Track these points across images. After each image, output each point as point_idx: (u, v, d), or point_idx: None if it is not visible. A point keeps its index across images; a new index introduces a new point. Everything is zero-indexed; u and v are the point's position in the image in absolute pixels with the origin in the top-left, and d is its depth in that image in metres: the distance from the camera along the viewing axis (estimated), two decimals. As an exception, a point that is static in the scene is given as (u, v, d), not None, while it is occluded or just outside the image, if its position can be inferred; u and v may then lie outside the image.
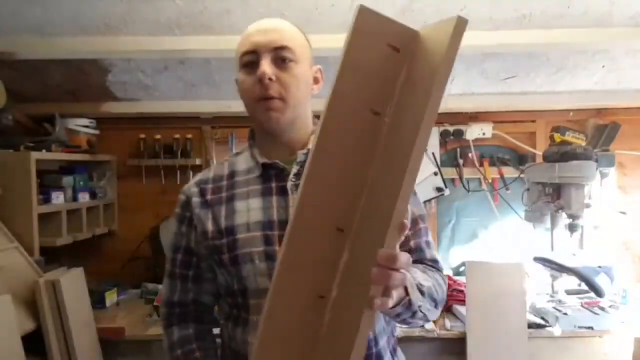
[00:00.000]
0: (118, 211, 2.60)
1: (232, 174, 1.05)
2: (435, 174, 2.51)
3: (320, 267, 0.73)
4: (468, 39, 2.15)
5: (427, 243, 1.04)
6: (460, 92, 2.37)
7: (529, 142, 2.56)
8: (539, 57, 2.09)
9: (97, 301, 2.15)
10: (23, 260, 1.81)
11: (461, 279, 2.20)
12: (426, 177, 2.50)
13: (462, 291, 2.08)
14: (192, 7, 1.75)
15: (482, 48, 1.94)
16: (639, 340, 1.86)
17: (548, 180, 2.14)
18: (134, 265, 2.51)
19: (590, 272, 2.04)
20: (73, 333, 1.73)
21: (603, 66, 2.16)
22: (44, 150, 2.05)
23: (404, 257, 0.66)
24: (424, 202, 2.49)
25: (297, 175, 0.96)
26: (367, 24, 0.71)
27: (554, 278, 2.20)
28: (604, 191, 2.37)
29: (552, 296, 2.20)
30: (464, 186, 2.56)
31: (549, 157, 2.16)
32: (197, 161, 2.54)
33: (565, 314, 2.01)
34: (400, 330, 1.72)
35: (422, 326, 1.89)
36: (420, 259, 1.02)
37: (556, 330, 1.90)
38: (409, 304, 0.82)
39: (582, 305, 2.12)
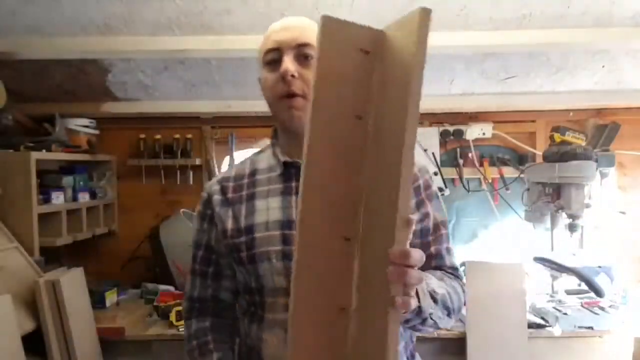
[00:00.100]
0: (118, 211, 2.60)
1: (253, 172, 1.06)
2: (435, 174, 2.51)
3: (334, 279, 0.73)
4: (468, 39, 2.14)
5: (448, 250, 1.04)
6: (460, 92, 2.37)
7: (529, 142, 2.56)
8: (539, 57, 2.09)
9: (97, 301, 2.15)
10: (23, 260, 1.80)
11: (461, 279, 2.20)
12: (426, 177, 2.50)
13: (462, 291, 2.08)
14: (192, 7, 1.75)
15: (482, 48, 1.94)
16: (639, 340, 1.86)
17: (548, 180, 2.14)
18: (134, 265, 2.51)
19: (590, 272, 2.05)
20: (73, 333, 1.73)
21: (603, 66, 2.16)
22: (44, 150, 2.05)
23: (417, 254, 0.65)
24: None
25: None
26: (333, 32, 0.71)
27: (554, 278, 2.20)
28: (604, 191, 2.37)
29: (552, 296, 2.20)
30: (464, 186, 2.56)
31: (549, 157, 2.16)
32: (197, 161, 2.54)
33: (565, 314, 2.01)
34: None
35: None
36: (439, 265, 1.02)
37: (556, 330, 1.90)
38: (419, 310, 0.81)
39: (582, 305, 2.12)
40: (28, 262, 1.81)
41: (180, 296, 2.15)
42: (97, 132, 2.45)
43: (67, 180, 2.17)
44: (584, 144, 2.24)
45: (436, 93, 2.37)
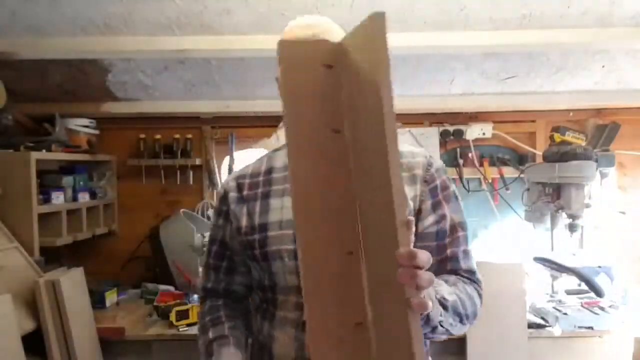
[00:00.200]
0: (118, 211, 2.60)
1: (269, 170, 1.06)
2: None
3: (346, 295, 0.72)
4: (468, 39, 2.14)
5: (465, 252, 1.01)
6: (460, 92, 2.37)
7: (529, 142, 2.56)
8: (539, 57, 2.09)
9: (97, 301, 2.15)
10: (23, 260, 1.80)
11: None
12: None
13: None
14: (192, 7, 1.75)
15: (482, 48, 1.94)
16: (639, 340, 1.86)
17: (548, 180, 2.14)
18: (134, 265, 2.51)
19: (590, 272, 2.05)
20: (73, 333, 1.73)
21: (603, 66, 2.16)
22: (44, 150, 2.05)
23: (424, 255, 0.63)
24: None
25: None
26: (293, 54, 0.71)
27: (554, 278, 2.20)
28: (604, 191, 2.37)
29: (552, 296, 2.20)
30: (464, 186, 2.56)
31: (549, 157, 2.16)
32: (197, 161, 2.54)
33: (565, 314, 2.01)
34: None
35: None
36: (455, 268, 1.00)
37: (556, 330, 1.90)
38: (428, 319, 0.80)
39: (582, 305, 2.12)
40: (28, 262, 1.81)
41: (180, 296, 2.15)
42: (97, 132, 2.45)
43: (67, 180, 2.17)
44: (584, 144, 2.24)
45: (436, 93, 2.37)
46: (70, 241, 2.14)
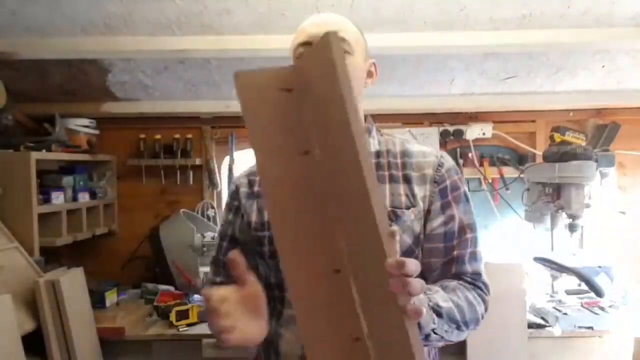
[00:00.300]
0: (118, 211, 2.60)
1: None
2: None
3: (339, 313, 0.72)
4: (468, 39, 2.14)
5: (472, 254, 1.00)
6: (460, 92, 2.37)
7: (529, 142, 2.56)
8: (539, 57, 2.09)
9: (97, 301, 2.15)
10: (23, 260, 1.80)
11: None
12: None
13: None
14: (192, 7, 1.75)
15: (482, 48, 1.94)
16: (639, 340, 1.86)
17: (548, 180, 2.14)
18: (134, 265, 2.51)
19: (590, 272, 2.05)
20: (73, 333, 1.73)
21: (603, 66, 2.16)
22: (44, 150, 2.05)
23: (412, 264, 0.63)
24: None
25: None
26: (249, 84, 0.72)
27: (554, 278, 2.20)
28: (604, 191, 2.37)
29: (552, 296, 2.20)
30: (464, 186, 2.55)
31: (549, 157, 2.16)
32: (197, 161, 2.54)
33: (565, 314, 2.01)
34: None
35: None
36: (460, 271, 0.99)
37: (556, 330, 1.90)
38: (419, 326, 0.80)
39: (582, 305, 2.12)
40: (28, 262, 1.81)
41: (180, 296, 2.15)
42: (97, 132, 2.45)
43: (67, 180, 2.17)
44: (584, 144, 2.24)
45: (436, 93, 2.37)
46: (70, 241, 2.14)
